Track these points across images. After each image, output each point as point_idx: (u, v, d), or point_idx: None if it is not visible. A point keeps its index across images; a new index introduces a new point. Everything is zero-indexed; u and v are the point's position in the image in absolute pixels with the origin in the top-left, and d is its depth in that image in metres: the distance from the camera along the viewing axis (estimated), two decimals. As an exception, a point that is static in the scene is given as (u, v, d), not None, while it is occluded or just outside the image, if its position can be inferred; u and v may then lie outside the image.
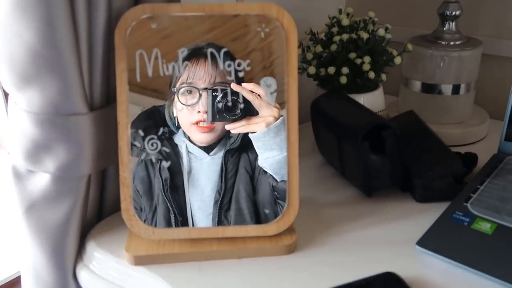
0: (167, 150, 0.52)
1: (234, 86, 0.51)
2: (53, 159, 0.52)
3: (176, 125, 0.53)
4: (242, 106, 0.51)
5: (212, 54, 0.51)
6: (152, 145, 0.52)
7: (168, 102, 0.52)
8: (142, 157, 0.52)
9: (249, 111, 0.52)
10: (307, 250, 0.53)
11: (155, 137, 0.52)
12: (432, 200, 0.61)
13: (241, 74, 0.52)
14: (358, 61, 0.72)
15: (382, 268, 0.48)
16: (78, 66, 0.50)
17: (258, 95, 0.52)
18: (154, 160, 0.52)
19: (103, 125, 0.54)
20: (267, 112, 0.52)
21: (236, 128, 0.52)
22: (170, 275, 0.50)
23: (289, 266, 0.51)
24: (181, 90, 0.52)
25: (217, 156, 0.53)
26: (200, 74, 0.52)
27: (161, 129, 0.52)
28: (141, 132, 0.52)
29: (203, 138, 0.52)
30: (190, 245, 0.52)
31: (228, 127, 0.52)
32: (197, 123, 0.52)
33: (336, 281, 0.47)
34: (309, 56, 0.75)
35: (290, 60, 0.52)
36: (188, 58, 0.51)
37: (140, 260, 0.51)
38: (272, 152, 0.52)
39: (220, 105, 0.51)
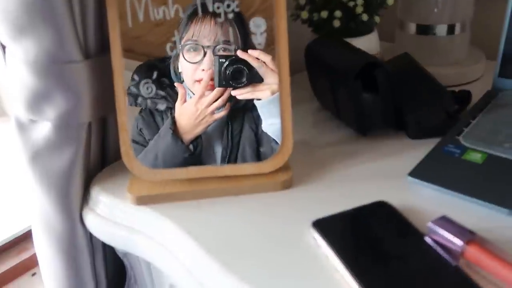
0: (163, 93, 0.53)
1: (240, 53, 0.52)
2: (52, 107, 0.54)
3: (182, 80, 0.54)
4: (247, 73, 0.52)
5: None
6: (147, 88, 0.53)
7: (173, 58, 0.53)
8: (139, 101, 0.53)
9: (255, 78, 0.53)
10: (303, 186, 0.55)
11: (149, 80, 0.53)
12: (425, 136, 0.62)
13: (230, 16, 0.52)
14: (351, 3, 0.72)
15: (375, 199, 0.50)
16: (71, 14, 0.51)
17: (264, 62, 0.52)
18: (149, 104, 0.53)
19: (100, 73, 0.55)
20: (272, 79, 0.53)
21: (242, 94, 0.53)
22: (171, 213, 0.52)
23: (285, 200, 0.53)
24: (186, 47, 0.52)
25: (221, 115, 0.54)
26: (205, 32, 0.52)
27: (155, 73, 0.53)
28: (136, 77, 0.53)
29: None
30: (190, 184, 0.54)
31: (234, 93, 0.53)
32: (200, 80, 0.53)
33: (330, 212, 0.49)
34: (302, 1, 0.75)
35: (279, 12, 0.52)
36: (192, 15, 0.52)
37: (142, 200, 0.53)
38: (276, 119, 0.53)
39: (226, 71, 0.52)
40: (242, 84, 0.53)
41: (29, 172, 0.57)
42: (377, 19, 0.75)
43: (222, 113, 0.53)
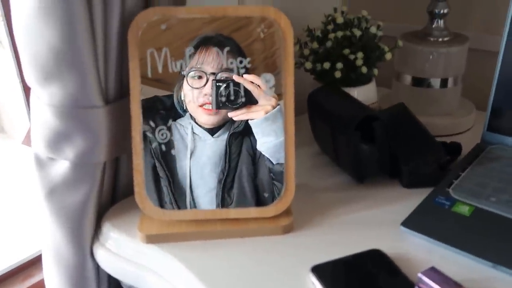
0: (173, 139, 0.58)
1: (236, 77, 0.57)
2: (72, 147, 0.58)
3: (184, 108, 0.58)
4: (243, 95, 0.57)
5: (220, 42, 0.56)
6: (162, 135, 0.57)
7: (176, 87, 0.57)
8: (153, 146, 0.57)
9: (250, 100, 0.57)
10: (302, 230, 0.59)
11: (164, 128, 0.57)
12: (418, 185, 0.66)
13: (242, 71, 0.57)
14: (352, 56, 0.77)
15: (370, 246, 0.54)
16: (95, 63, 0.56)
17: (258, 85, 0.57)
18: (164, 148, 0.57)
19: (117, 117, 0.59)
20: (265, 101, 0.57)
21: (238, 115, 0.58)
22: (178, 252, 0.55)
23: (286, 244, 0.57)
24: (190, 74, 0.57)
25: (221, 139, 0.58)
26: (208, 60, 0.57)
27: (170, 121, 0.57)
28: (152, 123, 0.57)
29: (209, 119, 0.58)
30: (197, 226, 0.58)
31: (230, 114, 0.58)
32: (203, 105, 0.57)
33: (328, 257, 0.52)
34: (306, 52, 0.80)
35: (287, 57, 0.57)
36: (198, 45, 0.57)
37: (151, 239, 0.57)
38: (269, 138, 0.57)
39: (223, 94, 0.57)
40: (238, 105, 0.57)
41: (44, 206, 0.61)
42: (375, 71, 0.80)
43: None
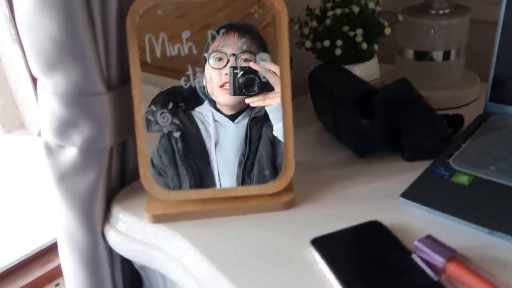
0: (177, 122, 0.59)
1: (252, 65, 0.58)
2: (78, 134, 0.60)
3: (206, 93, 0.59)
4: (259, 82, 0.58)
5: (241, 27, 0.58)
6: (163, 118, 0.59)
7: (198, 73, 0.59)
8: (156, 128, 0.59)
9: (266, 87, 0.59)
10: (305, 205, 0.60)
11: (166, 110, 0.59)
12: (420, 158, 0.67)
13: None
14: (351, 33, 0.77)
15: (370, 218, 0.55)
16: (96, 52, 0.57)
17: (274, 72, 0.58)
18: (166, 131, 0.59)
19: (120, 103, 0.61)
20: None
21: (254, 101, 0.59)
22: (185, 231, 0.58)
23: (288, 219, 0.58)
24: (212, 56, 0.59)
25: (241, 124, 0.60)
26: (229, 42, 0.58)
27: (171, 104, 0.59)
28: (153, 107, 0.59)
29: (229, 100, 0.59)
30: (201, 204, 0.60)
31: (247, 100, 0.59)
32: (223, 85, 0.59)
33: (329, 230, 0.54)
34: (306, 31, 0.80)
35: (281, 37, 0.58)
36: (219, 31, 0.58)
37: (158, 218, 0.59)
38: None
39: (240, 81, 0.58)
40: (254, 92, 0.59)
41: (55, 191, 0.63)
42: (375, 47, 0.80)
43: None
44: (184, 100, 0.59)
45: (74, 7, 0.53)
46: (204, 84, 0.59)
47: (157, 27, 0.58)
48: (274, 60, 0.58)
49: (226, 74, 0.58)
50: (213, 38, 0.58)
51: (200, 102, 0.60)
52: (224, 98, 0.59)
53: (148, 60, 0.58)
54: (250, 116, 0.60)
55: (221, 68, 0.59)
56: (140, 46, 0.58)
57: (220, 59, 0.59)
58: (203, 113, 0.60)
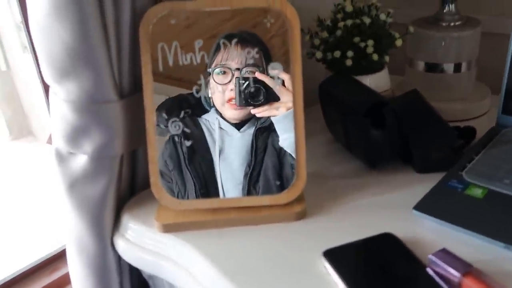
0: (188, 130, 0.59)
1: (258, 74, 0.58)
2: (90, 141, 0.60)
3: (212, 105, 0.59)
4: (265, 92, 0.58)
5: (244, 39, 0.58)
6: (175, 126, 0.59)
7: (203, 85, 0.59)
8: (168, 135, 0.59)
9: (272, 97, 0.58)
10: (316, 216, 0.60)
11: (177, 119, 0.59)
12: (431, 170, 0.66)
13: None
14: (362, 44, 0.77)
15: (382, 230, 0.54)
16: (108, 59, 0.58)
17: (283, 81, 0.58)
18: (177, 139, 0.59)
19: (132, 111, 0.61)
20: (287, 98, 0.58)
21: (260, 112, 0.59)
22: (195, 240, 0.57)
23: (299, 230, 0.58)
24: (216, 71, 0.58)
25: (247, 133, 0.60)
26: (232, 56, 0.58)
27: (182, 112, 0.59)
28: (165, 115, 0.59)
29: (235, 114, 0.59)
30: (212, 214, 0.59)
31: (253, 111, 0.59)
32: (230, 100, 0.59)
33: (341, 242, 0.53)
34: (317, 41, 0.80)
35: (294, 46, 0.58)
36: (221, 43, 0.58)
37: (168, 228, 0.59)
38: (290, 134, 0.59)
39: (246, 92, 0.58)
40: (260, 102, 0.58)
41: (65, 199, 0.63)
42: (386, 58, 0.80)
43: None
44: (191, 106, 0.59)
45: (87, 14, 0.53)
46: (210, 95, 0.59)
47: (170, 36, 0.58)
48: (284, 69, 0.58)
49: (232, 90, 0.58)
50: (218, 49, 0.58)
51: (207, 110, 0.60)
52: (230, 113, 0.59)
53: (161, 69, 0.58)
54: (256, 127, 0.59)
55: (225, 84, 0.58)
56: (152, 54, 0.58)
57: (224, 72, 0.59)
58: (209, 120, 0.60)
